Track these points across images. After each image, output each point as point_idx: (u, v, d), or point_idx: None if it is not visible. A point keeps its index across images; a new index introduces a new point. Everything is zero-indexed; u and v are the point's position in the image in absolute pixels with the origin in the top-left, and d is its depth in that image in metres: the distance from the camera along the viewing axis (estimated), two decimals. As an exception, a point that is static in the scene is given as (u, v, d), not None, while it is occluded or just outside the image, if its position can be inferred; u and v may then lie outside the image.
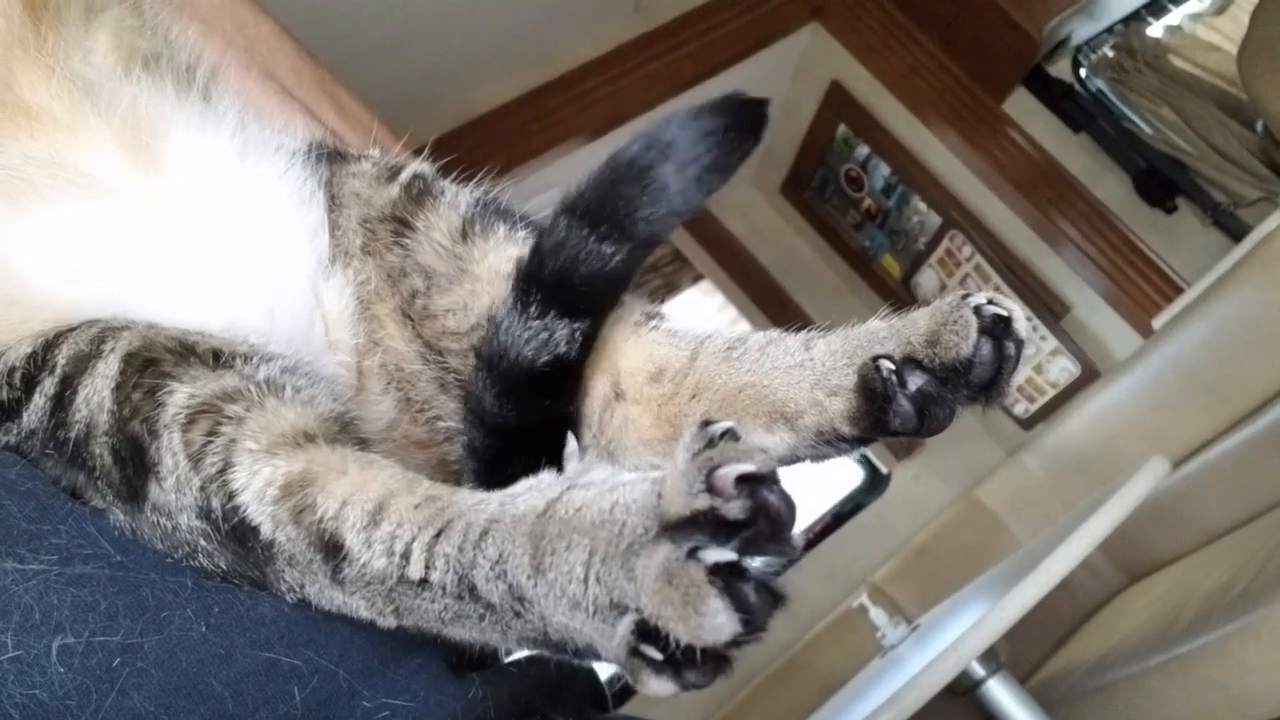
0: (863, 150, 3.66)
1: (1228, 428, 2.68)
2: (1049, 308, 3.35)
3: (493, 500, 0.49)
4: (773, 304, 4.16)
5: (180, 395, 0.53)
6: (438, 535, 0.48)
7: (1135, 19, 3.20)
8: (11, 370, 0.57)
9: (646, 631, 0.41)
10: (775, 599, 0.40)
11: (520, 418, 0.61)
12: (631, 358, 0.63)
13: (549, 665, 0.62)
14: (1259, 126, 2.86)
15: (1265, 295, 2.60)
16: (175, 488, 0.52)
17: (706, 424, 0.46)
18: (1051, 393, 3.46)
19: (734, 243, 4.19)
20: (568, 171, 3.17)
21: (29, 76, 0.61)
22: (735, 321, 4.24)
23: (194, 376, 0.55)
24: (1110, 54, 3.13)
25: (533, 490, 0.49)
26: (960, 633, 1.75)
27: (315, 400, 0.58)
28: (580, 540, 0.45)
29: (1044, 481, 3.32)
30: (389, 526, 0.49)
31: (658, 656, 0.41)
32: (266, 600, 0.54)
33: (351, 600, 0.51)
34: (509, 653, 0.58)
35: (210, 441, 0.52)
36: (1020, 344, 0.54)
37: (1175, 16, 3.22)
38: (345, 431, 0.59)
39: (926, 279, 3.72)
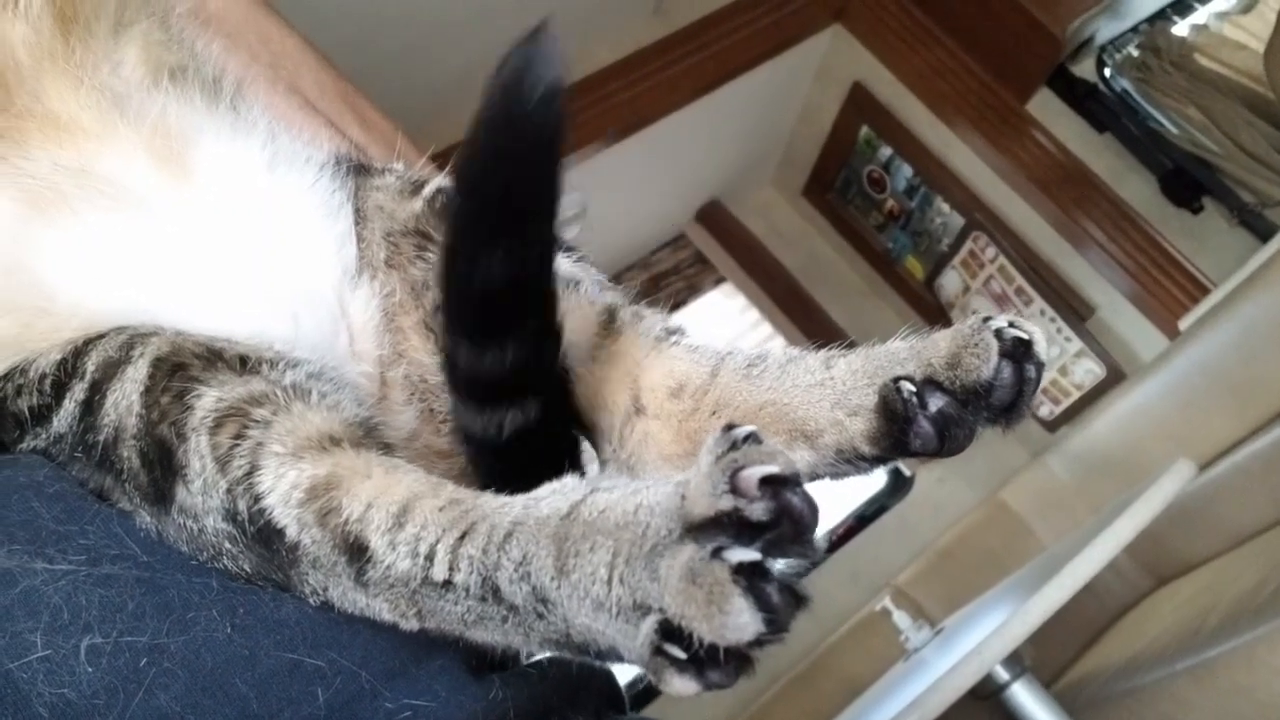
0: (885, 151, 3.65)
1: (1255, 429, 2.66)
2: (1074, 309, 3.33)
3: (516, 503, 0.50)
4: (795, 306, 4.15)
5: (208, 399, 0.54)
6: (462, 537, 0.49)
7: (1160, 18, 3.17)
8: (42, 377, 0.58)
9: (670, 631, 0.41)
10: (798, 599, 0.41)
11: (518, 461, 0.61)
12: (652, 373, 0.64)
13: (568, 667, 0.62)
14: (1287, 126, 2.83)
15: (1293, 296, 2.57)
16: (202, 490, 0.53)
17: (730, 428, 0.46)
18: (1076, 395, 3.44)
19: (756, 244, 4.18)
20: (589, 174, 3.17)
21: (58, 87, 0.62)
22: (757, 324, 4.23)
23: (221, 381, 0.56)
24: (1135, 53, 3.11)
25: (556, 493, 0.49)
26: (984, 636, 1.74)
27: (341, 405, 0.59)
28: (604, 541, 0.45)
29: (1069, 484, 3.30)
30: (413, 529, 0.50)
31: (681, 656, 0.41)
32: (290, 602, 0.54)
33: (375, 603, 0.52)
34: (529, 655, 0.58)
35: (237, 445, 0.53)
36: (1041, 367, 0.54)
37: (1201, 15, 3.19)
38: (370, 436, 0.60)
39: (950, 280, 3.70)
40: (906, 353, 0.57)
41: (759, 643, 0.40)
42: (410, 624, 0.52)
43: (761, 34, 3.31)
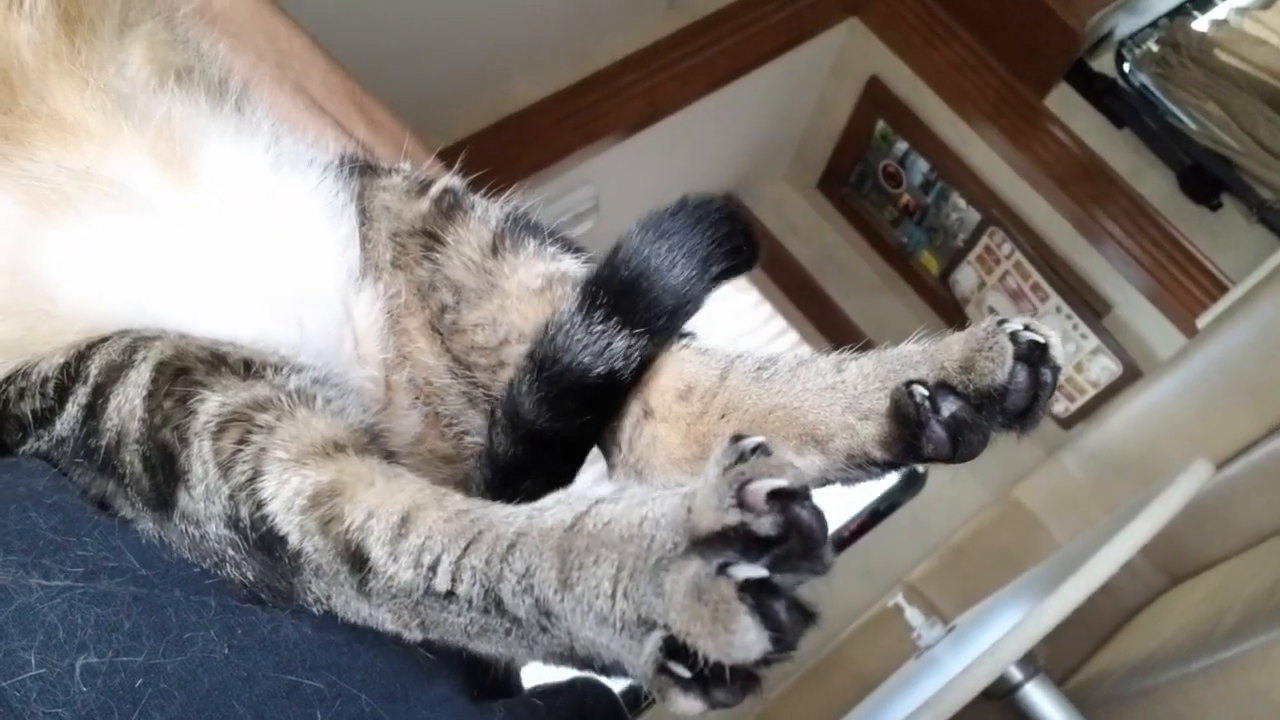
0: (901, 146, 3.63)
1: (1273, 429, 2.64)
2: (1090, 306, 3.30)
3: (520, 513, 0.49)
4: (808, 300, 4.14)
5: (211, 403, 0.54)
6: (465, 549, 0.48)
7: (1180, 13, 3.14)
8: (45, 381, 0.58)
9: (674, 648, 0.41)
10: (806, 616, 0.40)
11: (555, 426, 0.61)
12: (661, 375, 0.63)
13: (572, 697, 0.62)
14: (1307, 122, 2.80)
15: (1313, 294, 2.55)
16: (204, 496, 0.52)
17: (738, 438, 0.45)
18: (1092, 392, 3.41)
19: (769, 238, 4.17)
20: (603, 168, 3.17)
21: (63, 88, 0.62)
22: (770, 318, 4.22)
23: (225, 386, 0.55)
24: (1154, 49, 3.08)
25: (561, 504, 0.49)
26: (998, 635, 1.73)
27: (345, 411, 0.58)
28: (608, 555, 0.44)
29: (1084, 482, 3.28)
30: (416, 539, 0.49)
31: (686, 675, 0.40)
32: (289, 623, 0.54)
33: (378, 613, 0.51)
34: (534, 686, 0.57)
35: (240, 450, 0.52)
36: (1057, 371, 0.53)
37: (1221, 10, 3.16)
38: (375, 443, 0.59)
39: (965, 276, 3.68)
40: (919, 356, 0.56)
41: (766, 661, 0.39)
42: (413, 634, 0.51)
43: (777, 27, 3.30)
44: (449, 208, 0.69)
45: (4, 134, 0.60)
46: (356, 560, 0.50)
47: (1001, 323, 0.54)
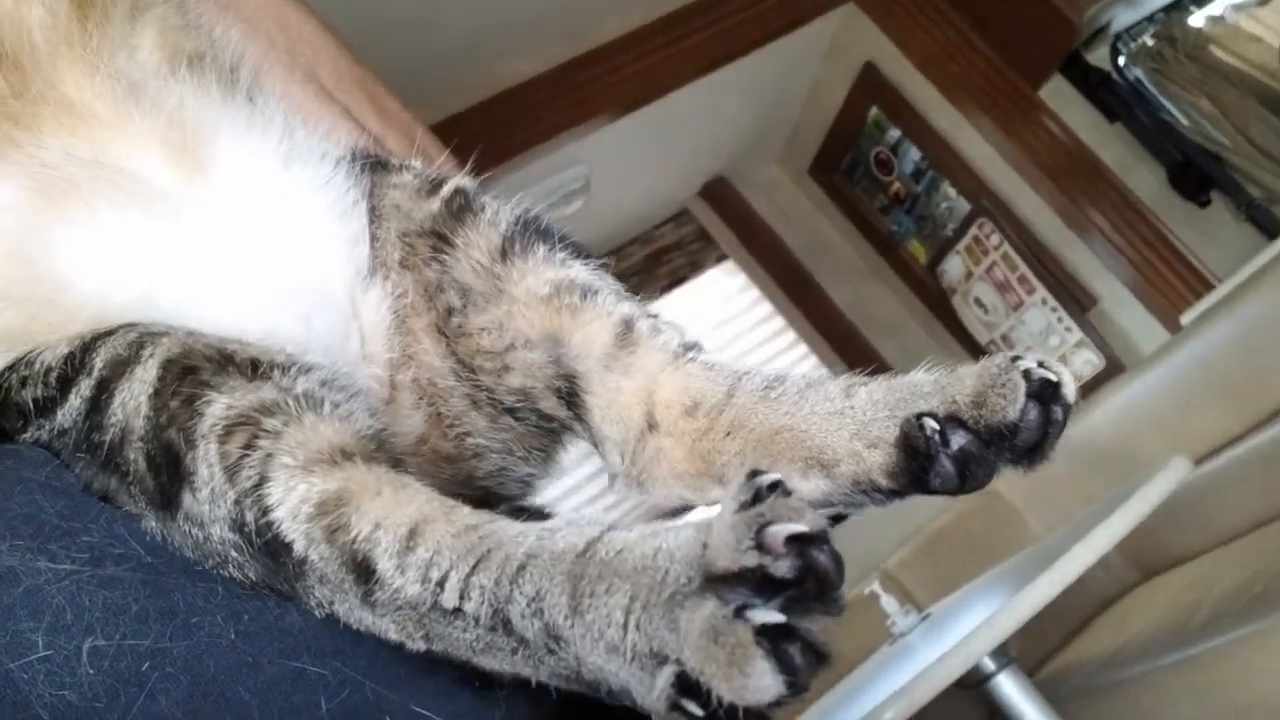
0: (894, 133, 3.63)
1: (1252, 427, 2.66)
2: (1076, 299, 3.33)
3: (530, 533, 0.49)
4: (796, 285, 4.15)
5: (218, 406, 0.53)
6: (474, 566, 0.48)
7: (1177, 8, 3.15)
8: (47, 370, 0.58)
9: (686, 684, 0.41)
10: (820, 658, 0.40)
11: None
12: (667, 389, 0.63)
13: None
14: (1298, 122, 2.82)
15: (1297, 294, 2.57)
16: (209, 499, 0.52)
17: (754, 474, 0.45)
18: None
19: (759, 222, 4.17)
20: (594, 148, 3.16)
21: (73, 73, 0.61)
22: (757, 302, 4.23)
23: (232, 387, 0.55)
24: (1150, 43, 3.09)
25: (572, 526, 0.48)
26: (972, 625, 1.75)
27: (353, 416, 0.58)
28: (621, 584, 0.44)
29: (1063, 474, 3.29)
30: (424, 553, 0.49)
31: (699, 713, 0.40)
32: (295, 609, 0.54)
33: (381, 622, 0.51)
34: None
35: (247, 455, 0.52)
36: (1068, 409, 0.53)
37: (1218, 6, 3.17)
38: (381, 449, 0.59)
39: (953, 266, 3.70)
40: (930, 387, 0.56)
41: (778, 703, 0.39)
42: (416, 645, 0.51)
43: (773, 10, 3.29)
44: (459, 209, 0.69)
45: (14, 119, 0.59)
46: (362, 571, 0.50)
47: (1015, 359, 0.54)
